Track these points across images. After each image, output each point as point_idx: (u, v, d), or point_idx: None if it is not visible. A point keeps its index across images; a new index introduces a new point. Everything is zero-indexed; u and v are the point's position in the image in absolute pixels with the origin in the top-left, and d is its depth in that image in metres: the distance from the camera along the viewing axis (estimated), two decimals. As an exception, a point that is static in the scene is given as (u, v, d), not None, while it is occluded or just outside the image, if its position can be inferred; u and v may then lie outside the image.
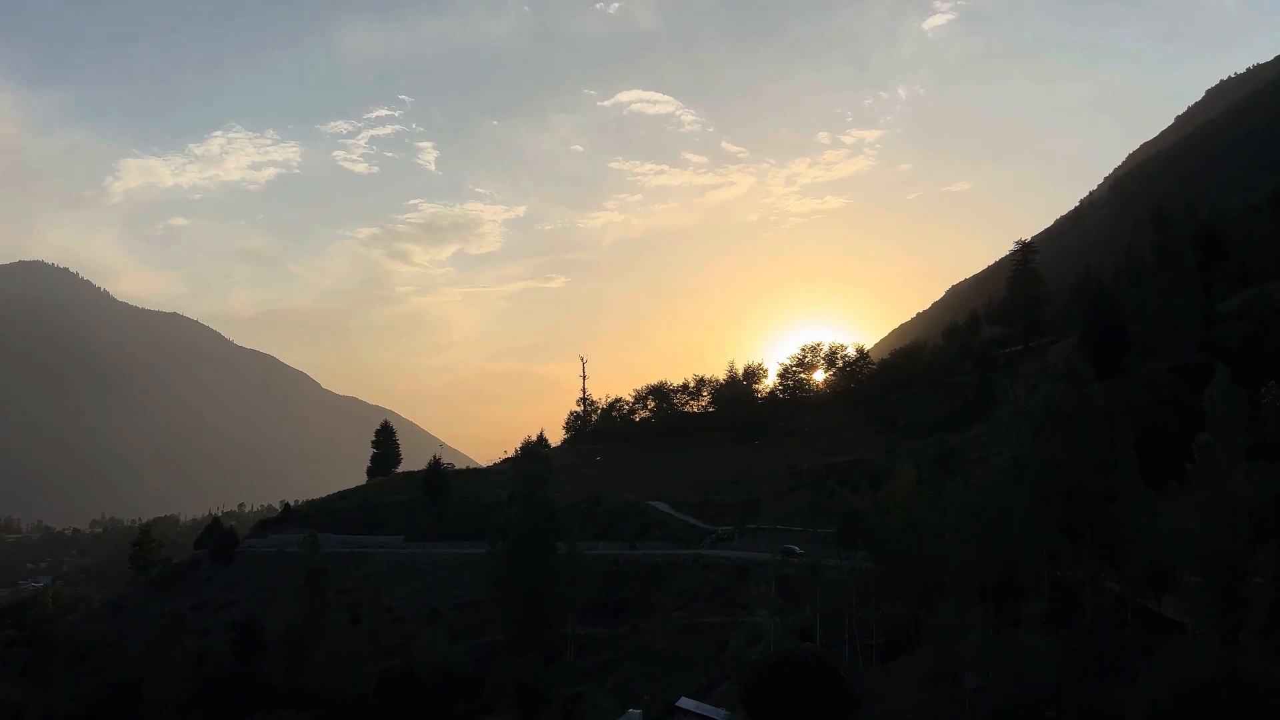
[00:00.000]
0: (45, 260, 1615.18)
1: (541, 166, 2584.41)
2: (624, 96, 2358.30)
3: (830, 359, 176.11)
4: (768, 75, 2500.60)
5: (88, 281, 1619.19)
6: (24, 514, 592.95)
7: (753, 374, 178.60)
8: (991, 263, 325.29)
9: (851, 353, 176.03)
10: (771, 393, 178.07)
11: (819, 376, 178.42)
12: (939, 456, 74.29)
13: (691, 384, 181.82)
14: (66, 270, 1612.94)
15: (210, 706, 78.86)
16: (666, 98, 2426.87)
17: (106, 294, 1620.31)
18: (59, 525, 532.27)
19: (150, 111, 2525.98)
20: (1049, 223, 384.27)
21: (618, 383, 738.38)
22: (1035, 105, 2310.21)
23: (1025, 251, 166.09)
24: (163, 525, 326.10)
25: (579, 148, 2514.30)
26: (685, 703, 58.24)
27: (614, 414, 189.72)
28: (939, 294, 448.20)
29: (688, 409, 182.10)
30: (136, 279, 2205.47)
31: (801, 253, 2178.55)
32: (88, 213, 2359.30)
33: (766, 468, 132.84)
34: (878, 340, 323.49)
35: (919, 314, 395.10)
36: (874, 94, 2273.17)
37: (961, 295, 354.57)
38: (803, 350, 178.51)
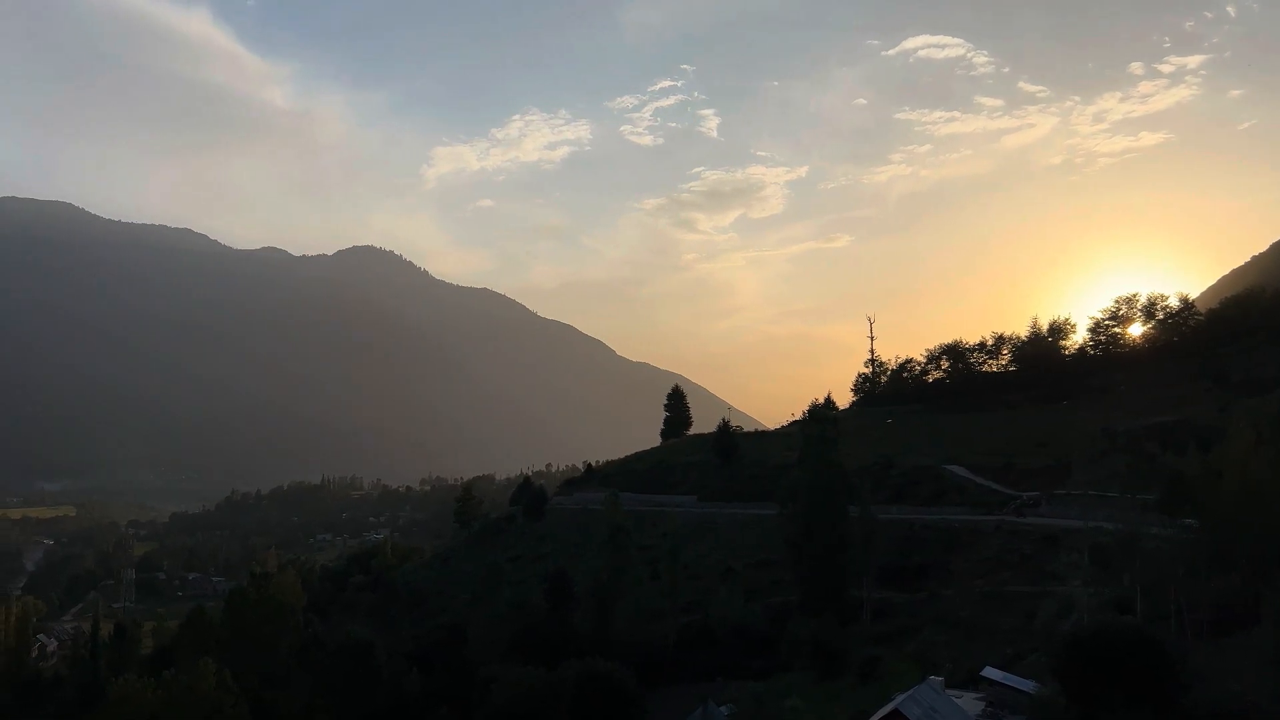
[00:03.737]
0: (374, 245, 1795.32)
1: (823, 124, 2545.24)
2: (910, 43, 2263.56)
3: (1149, 311, 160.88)
4: (1069, 4, 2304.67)
5: (410, 263, 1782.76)
6: (365, 473, 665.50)
7: (1058, 330, 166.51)
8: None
9: (1174, 303, 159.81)
10: (1080, 349, 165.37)
11: (1135, 330, 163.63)
12: (1283, 415, 66.15)
13: (989, 342, 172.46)
14: (392, 253, 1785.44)
15: (527, 652, 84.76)
16: (956, 40, 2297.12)
17: (426, 273, 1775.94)
18: (394, 483, 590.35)
19: (456, 101, 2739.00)
20: None
21: (908, 343, 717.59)
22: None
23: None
24: (480, 484, 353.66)
25: (862, 101, 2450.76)
26: (990, 672, 56.01)
27: (904, 375, 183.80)
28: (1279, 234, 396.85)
29: (985, 368, 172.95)
30: (451, 258, 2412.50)
31: (1113, 196, 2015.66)
32: (407, 199, 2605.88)
33: (1076, 430, 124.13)
34: (1204, 288, 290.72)
35: (1254, 257, 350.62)
36: (1196, 14, 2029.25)
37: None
38: (1116, 302, 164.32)
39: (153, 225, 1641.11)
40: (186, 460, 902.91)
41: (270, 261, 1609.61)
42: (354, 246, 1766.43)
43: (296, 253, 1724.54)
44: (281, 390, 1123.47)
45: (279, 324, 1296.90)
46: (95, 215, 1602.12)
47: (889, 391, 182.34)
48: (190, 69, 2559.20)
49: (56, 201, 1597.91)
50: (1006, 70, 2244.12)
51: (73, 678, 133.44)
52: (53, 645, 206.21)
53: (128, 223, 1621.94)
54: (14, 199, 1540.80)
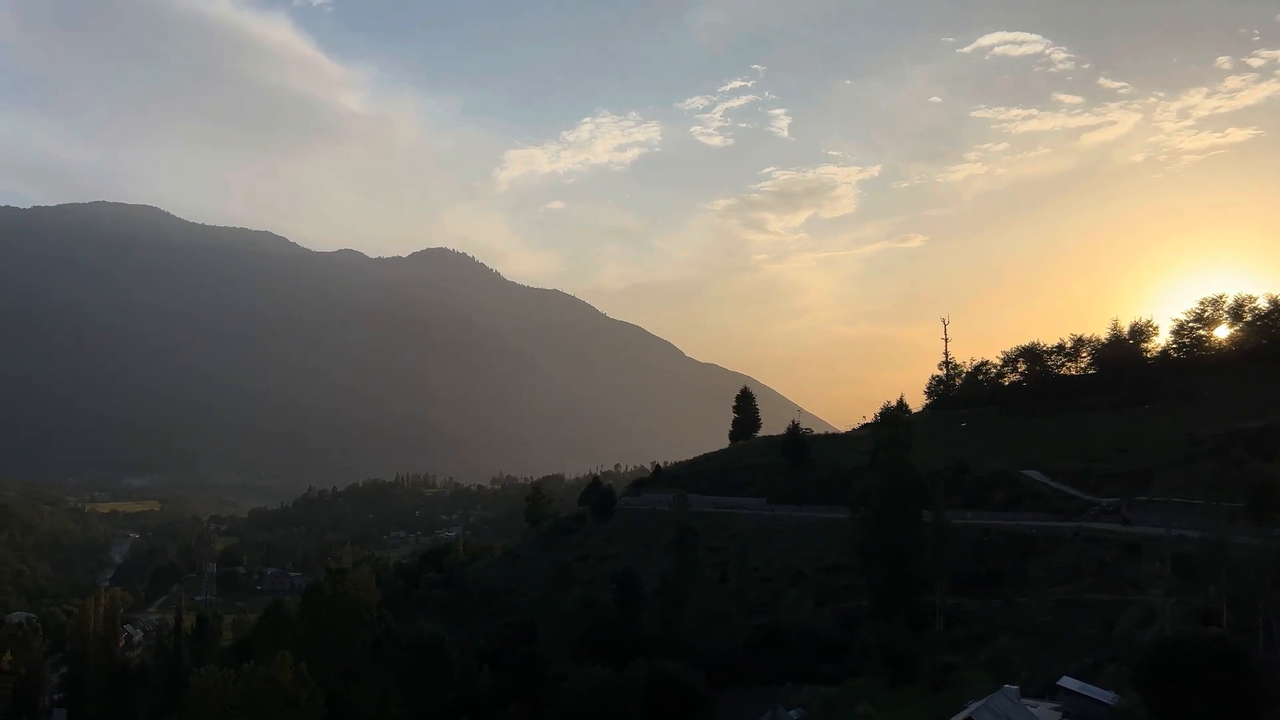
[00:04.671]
0: (448, 247, 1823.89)
1: (896, 123, 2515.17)
2: (986, 40, 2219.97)
3: (1236, 313, 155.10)
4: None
5: (482, 264, 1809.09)
6: (438, 471, 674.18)
7: (1140, 332, 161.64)
8: None
9: (1263, 305, 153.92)
10: (1163, 352, 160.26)
11: (1221, 333, 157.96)
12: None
13: (1068, 344, 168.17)
14: (465, 255, 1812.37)
15: (597, 651, 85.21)
16: (1034, 36, 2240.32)
17: (498, 275, 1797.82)
18: (466, 481, 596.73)
19: (528, 105, 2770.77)
20: None
21: (984, 345, 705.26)
22: None
23: None
24: (550, 483, 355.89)
25: (937, 99, 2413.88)
26: (1068, 682, 54.81)
27: (980, 378, 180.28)
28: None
29: (1063, 371, 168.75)
30: (522, 260, 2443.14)
31: (1198, 195, 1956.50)
32: (479, 201, 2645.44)
33: (1158, 435, 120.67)
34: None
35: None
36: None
37: None
38: (1201, 304, 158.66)
39: (234, 229, 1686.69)
40: (265, 457, 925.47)
41: (347, 263, 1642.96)
42: (428, 249, 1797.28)
43: (372, 255, 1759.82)
44: (357, 389, 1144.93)
45: (355, 325, 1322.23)
46: (180, 219, 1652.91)
47: (964, 395, 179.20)
48: (271, 75, 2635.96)
49: (143, 205, 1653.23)
50: (1087, 66, 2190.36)
51: (158, 667, 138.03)
52: (139, 635, 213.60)
53: (211, 226, 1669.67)
54: (103, 203, 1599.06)
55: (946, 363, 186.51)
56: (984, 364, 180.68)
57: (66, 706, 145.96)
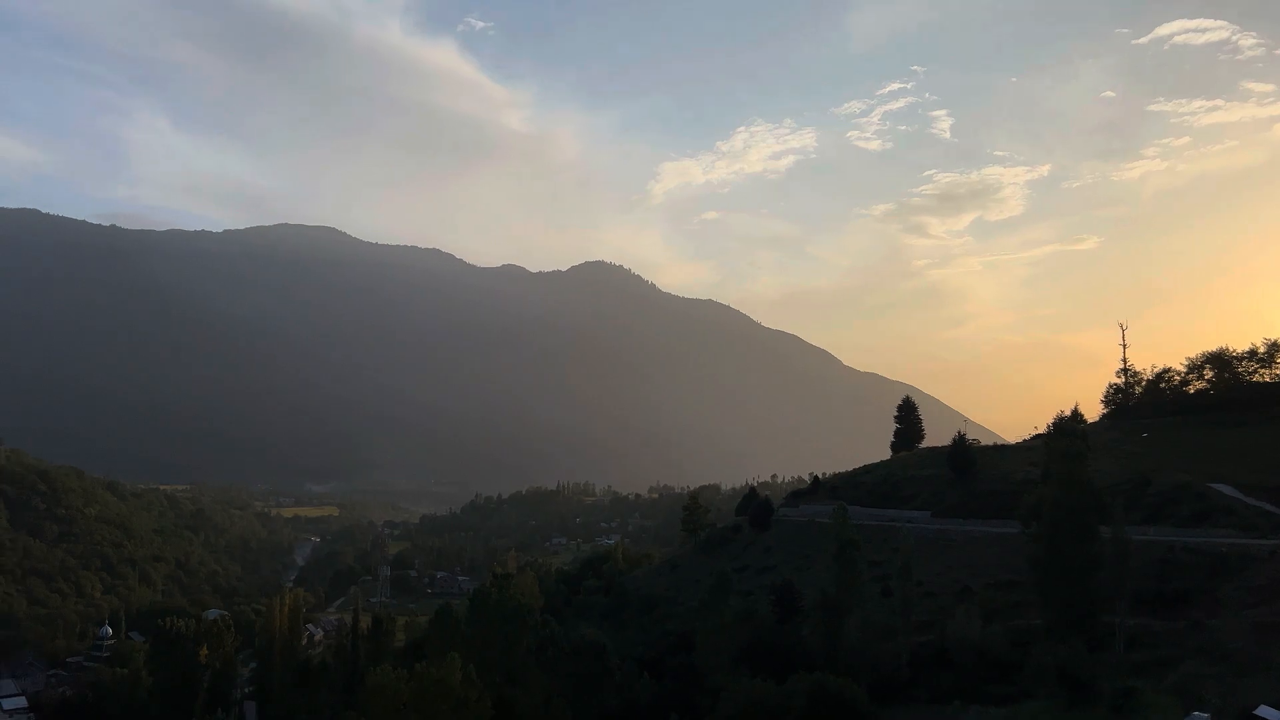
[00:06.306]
0: (605, 260, 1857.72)
1: (1067, 119, 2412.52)
2: (1164, 29, 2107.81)
3: None
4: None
5: (638, 276, 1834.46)
6: (598, 480, 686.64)
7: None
8: None
9: None
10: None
11: None
12: None
13: (1261, 349, 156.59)
14: (622, 267, 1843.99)
15: (754, 663, 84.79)
16: (1218, 23, 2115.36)
17: (654, 286, 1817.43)
18: (624, 490, 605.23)
19: (683, 117, 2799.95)
20: None
21: (1166, 351, 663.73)
22: None
23: None
24: (706, 493, 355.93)
25: (1110, 93, 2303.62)
26: (1266, 712, 51.02)
27: (1162, 386, 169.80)
28: None
29: (1256, 379, 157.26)
30: (677, 271, 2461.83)
31: None
32: (636, 214, 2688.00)
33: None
34: None
35: None
36: None
37: None
38: None
39: (405, 246, 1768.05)
40: (436, 465, 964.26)
41: (510, 278, 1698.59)
42: (586, 262, 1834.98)
43: (534, 269, 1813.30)
44: (521, 399, 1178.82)
45: (519, 337, 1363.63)
46: (355, 238, 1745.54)
47: (1144, 404, 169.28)
48: (438, 98, 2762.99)
49: (322, 227, 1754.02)
50: (1279, 52, 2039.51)
51: (337, 665, 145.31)
52: (319, 634, 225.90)
53: (383, 244, 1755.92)
54: (286, 225, 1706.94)
55: (1125, 370, 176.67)
56: (1166, 371, 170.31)
57: (256, 700, 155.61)
